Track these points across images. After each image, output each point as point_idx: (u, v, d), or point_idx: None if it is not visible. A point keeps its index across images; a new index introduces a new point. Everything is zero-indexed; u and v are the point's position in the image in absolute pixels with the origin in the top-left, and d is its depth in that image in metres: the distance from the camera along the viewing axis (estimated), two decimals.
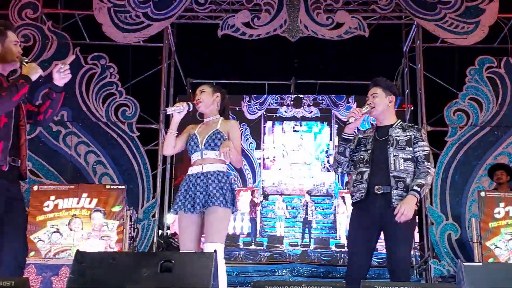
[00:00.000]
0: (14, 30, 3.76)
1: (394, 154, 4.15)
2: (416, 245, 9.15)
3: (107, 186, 7.28)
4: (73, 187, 7.22)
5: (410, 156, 4.18)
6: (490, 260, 6.85)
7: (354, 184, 4.20)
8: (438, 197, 8.07)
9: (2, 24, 3.75)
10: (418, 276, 8.63)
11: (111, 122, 8.36)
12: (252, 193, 9.71)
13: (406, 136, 4.22)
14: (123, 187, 7.26)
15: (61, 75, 3.76)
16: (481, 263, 4.69)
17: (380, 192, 4.09)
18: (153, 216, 8.17)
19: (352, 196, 4.25)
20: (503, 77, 8.34)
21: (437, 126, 8.59)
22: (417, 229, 9.24)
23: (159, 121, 8.73)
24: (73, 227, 7.02)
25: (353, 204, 4.23)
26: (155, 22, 8.66)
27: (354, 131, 4.31)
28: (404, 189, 4.09)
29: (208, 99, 4.44)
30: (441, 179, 8.13)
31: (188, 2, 8.75)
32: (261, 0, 8.73)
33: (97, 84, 8.44)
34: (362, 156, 4.24)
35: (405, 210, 3.97)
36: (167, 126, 9.10)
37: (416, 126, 4.35)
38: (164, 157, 8.95)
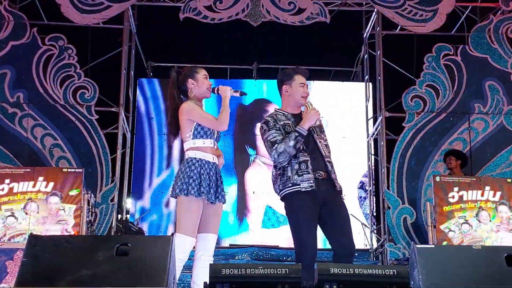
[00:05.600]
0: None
1: (319, 140, 4.33)
2: (373, 229, 9.30)
3: (64, 170, 7.18)
4: (28, 170, 7.10)
5: (327, 143, 4.42)
6: (444, 243, 7.01)
7: (300, 173, 4.21)
8: (395, 181, 8.20)
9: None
10: (374, 259, 8.77)
11: (69, 104, 8.24)
12: None
13: (316, 123, 4.37)
14: (81, 170, 7.18)
15: None
16: (433, 245, 4.80)
17: (322, 177, 4.23)
18: (112, 200, 8.11)
19: (294, 184, 4.22)
20: (459, 65, 8.48)
21: (395, 112, 8.70)
22: (374, 212, 9.41)
23: (119, 105, 8.63)
24: (29, 211, 6.92)
25: (299, 192, 4.21)
26: (115, 3, 8.54)
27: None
28: (334, 172, 4.32)
29: None
30: (398, 164, 8.26)
31: None
32: None
33: (55, 66, 8.30)
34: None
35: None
36: (126, 110, 9.06)
37: None
38: (124, 141, 8.88)
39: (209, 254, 4.24)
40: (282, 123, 4.33)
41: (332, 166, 4.31)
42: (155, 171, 9.56)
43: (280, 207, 8.97)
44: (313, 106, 4.30)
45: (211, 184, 4.21)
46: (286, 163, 4.28)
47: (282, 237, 9.21)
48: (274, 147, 4.26)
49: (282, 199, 4.34)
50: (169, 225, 9.33)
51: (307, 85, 4.47)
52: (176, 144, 9.43)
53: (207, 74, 4.43)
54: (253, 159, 9.65)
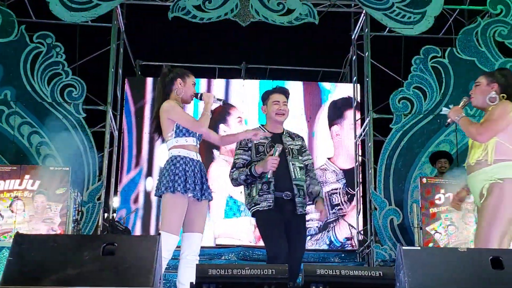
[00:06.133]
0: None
1: (293, 163, 4.52)
2: (360, 230, 9.33)
3: (51, 168, 7.17)
4: (15, 168, 7.08)
5: (302, 165, 4.60)
6: (430, 244, 7.05)
7: (261, 193, 4.45)
8: (382, 183, 8.23)
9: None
10: (360, 260, 8.80)
11: (56, 102, 8.21)
12: None
13: (297, 145, 4.63)
14: (68, 169, 7.16)
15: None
16: (419, 247, 4.81)
17: (288, 198, 4.45)
18: (99, 198, 8.09)
19: (255, 204, 4.48)
20: (447, 67, 8.52)
21: (382, 113, 8.73)
22: (361, 213, 9.44)
23: (107, 103, 8.61)
24: (15, 209, 6.90)
25: (259, 212, 4.46)
26: (104, 1, 8.50)
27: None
28: (303, 196, 4.52)
29: None
30: (385, 165, 8.29)
31: None
32: None
33: (43, 64, 8.26)
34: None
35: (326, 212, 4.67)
36: (114, 108, 9.03)
37: (299, 135, 4.77)
38: (111, 140, 8.85)
39: (194, 254, 4.23)
40: (257, 142, 4.56)
41: (299, 189, 4.50)
42: (125, 169, 9.57)
43: (239, 196, 9.08)
44: (278, 154, 4.39)
45: (196, 181, 4.20)
46: (238, 186, 4.67)
47: (245, 226, 9.33)
48: (232, 170, 4.59)
49: (252, 216, 4.60)
50: (137, 221, 9.39)
51: (285, 103, 4.66)
52: (145, 144, 9.59)
53: (195, 82, 4.49)
54: (216, 156, 9.70)
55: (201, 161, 4.33)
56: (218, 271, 3.09)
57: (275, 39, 10.15)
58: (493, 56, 8.50)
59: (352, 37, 9.90)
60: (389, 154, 8.32)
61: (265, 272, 3.08)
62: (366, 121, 8.94)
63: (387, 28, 8.85)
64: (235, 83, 10.15)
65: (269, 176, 4.38)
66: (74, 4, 8.42)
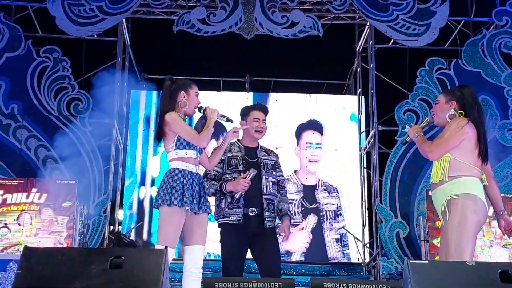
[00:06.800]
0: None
1: (266, 177, 4.65)
2: (366, 243, 9.30)
3: (58, 181, 7.21)
4: (22, 181, 7.11)
5: (275, 180, 4.73)
6: (437, 258, 6.99)
7: (230, 207, 4.58)
8: (388, 195, 8.19)
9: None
10: (366, 274, 8.76)
11: (63, 116, 8.25)
12: None
13: (271, 160, 4.77)
14: (74, 182, 7.19)
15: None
16: (427, 261, 4.80)
17: (254, 214, 4.56)
18: (105, 211, 8.09)
19: (224, 216, 4.61)
20: (452, 79, 8.51)
21: (388, 125, 8.73)
22: (367, 226, 9.41)
23: (113, 116, 8.63)
24: (22, 222, 6.92)
25: (227, 225, 4.59)
26: (110, 16, 8.56)
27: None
28: (273, 211, 4.64)
29: None
30: (391, 177, 8.26)
31: None
32: None
33: (49, 78, 8.30)
34: (235, 178, 4.62)
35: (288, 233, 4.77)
36: (120, 122, 9.06)
37: (273, 151, 4.91)
38: (117, 153, 8.87)
39: (197, 267, 4.22)
40: (230, 154, 4.71)
41: (269, 203, 4.61)
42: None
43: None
44: (250, 178, 4.53)
45: (194, 194, 4.22)
46: None
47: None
48: (203, 179, 4.59)
49: (218, 227, 4.73)
50: (131, 225, 9.45)
51: (264, 120, 4.80)
52: (138, 157, 9.68)
53: (198, 92, 4.50)
54: None
55: (200, 174, 4.35)
56: (225, 285, 3.09)
57: (279, 52, 10.19)
58: (499, 67, 8.49)
59: (357, 49, 9.92)
60: (395, 166, 8.28)
61: (272, 286, 3.09)
62: (371, 133, 8.93)
63: (392, 40, 8.86)
64: (239, 96, 10.17)
65: (236, 197, 4.50)
66: (80, 18, 8.48)
